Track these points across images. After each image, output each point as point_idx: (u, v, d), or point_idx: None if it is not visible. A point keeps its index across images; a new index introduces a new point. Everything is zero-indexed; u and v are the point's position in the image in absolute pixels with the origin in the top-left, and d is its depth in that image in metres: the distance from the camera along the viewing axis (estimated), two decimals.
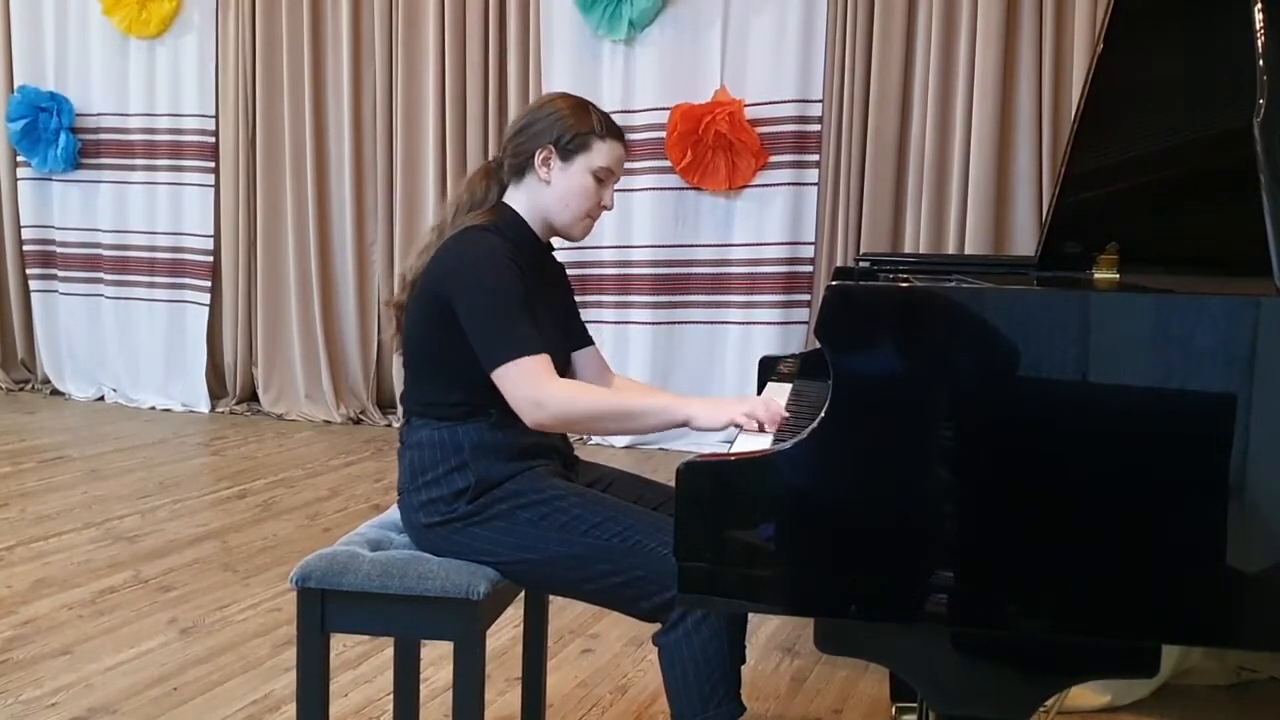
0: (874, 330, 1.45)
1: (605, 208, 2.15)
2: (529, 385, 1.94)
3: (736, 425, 1.90)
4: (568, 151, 2.08)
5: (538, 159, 2.08)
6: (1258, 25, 1.56)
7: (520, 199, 2.13)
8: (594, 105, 2.14)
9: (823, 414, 1.45)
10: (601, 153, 2.09)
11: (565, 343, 2.21)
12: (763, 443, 1.76)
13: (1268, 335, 1.37)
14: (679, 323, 5.49)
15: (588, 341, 2.29)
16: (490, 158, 2.19)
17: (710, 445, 4.92)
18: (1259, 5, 1.57)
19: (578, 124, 2.08)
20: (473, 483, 2.00)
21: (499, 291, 1.97)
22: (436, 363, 2.06)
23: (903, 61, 5.06)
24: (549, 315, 2.11)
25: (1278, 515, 1.38)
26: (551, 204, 2.10)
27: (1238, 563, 1.39)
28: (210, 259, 6.22)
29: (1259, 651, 2.63)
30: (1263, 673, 2.78)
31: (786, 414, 1.90)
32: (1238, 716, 2.68)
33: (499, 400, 1.98)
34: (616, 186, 2.17)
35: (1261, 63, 1.52)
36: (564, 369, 2.15)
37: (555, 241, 2.21)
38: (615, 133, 2.12)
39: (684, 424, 1.94)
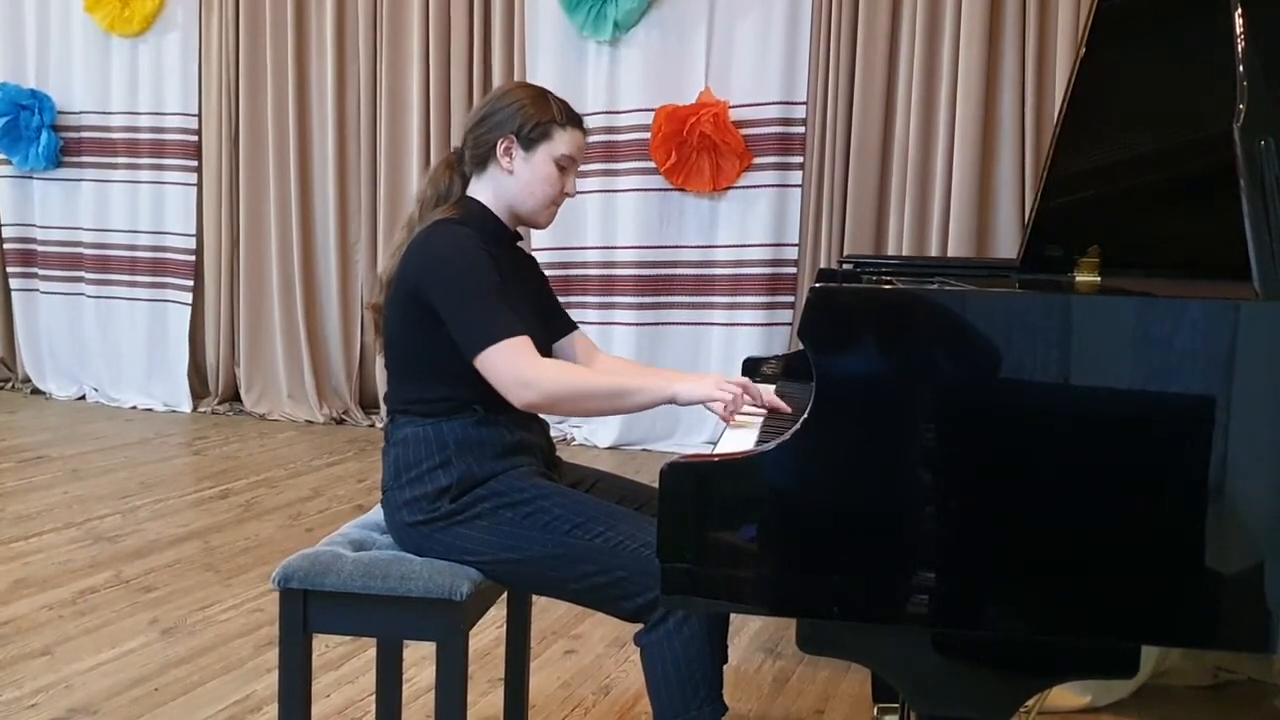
0: (857, 332, 1.45)
1: (568, 195, 2.16)
2: (514, 366, 1.94)
3: (715, 401, 1.93)
4: (530, 140, 2.09)
5: (499, 149, 2.09)
6: (1238, 30, 1.57)
7: (484, 190, 2.13)
8: (553, 94, 2.15)
9: (805, 415, 1.45)
10: (563, 140, 2.10)
11: (545, 332, 2.21)
12: (746, 443, 1.76)
13: (1247, 339, 1.38)
14: (663, 324, 5.50)
15: (572, 327, 2.29)
16: (452, 149, 2.20)
17: (694, 446, 4.92)
18: (1239, 10, 1.58)
19: (539, 113, 2.09)
20: (456, 480, 2.00)
21: (473, 280, 1.98)
22: (418, 361, 2.06)
23: (886, 64, 5.08)
24: (526, 304, 2.11)
25: (1255, 517, 1.39)
26: (516, 193, 2.11)
27: (1216, 564, 1.40)
28: (192, 258, 6.20)
29: (1237, 652, 2.64)
30: (1241, 673, 2.80)
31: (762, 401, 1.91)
32: (1216, 717, 2.69)
33: (483, 396, 1.98)
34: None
35: (1241, 68, 1.53)
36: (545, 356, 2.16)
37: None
38: (575, 120, 2.14)
39: (670, 400, 1.96)
